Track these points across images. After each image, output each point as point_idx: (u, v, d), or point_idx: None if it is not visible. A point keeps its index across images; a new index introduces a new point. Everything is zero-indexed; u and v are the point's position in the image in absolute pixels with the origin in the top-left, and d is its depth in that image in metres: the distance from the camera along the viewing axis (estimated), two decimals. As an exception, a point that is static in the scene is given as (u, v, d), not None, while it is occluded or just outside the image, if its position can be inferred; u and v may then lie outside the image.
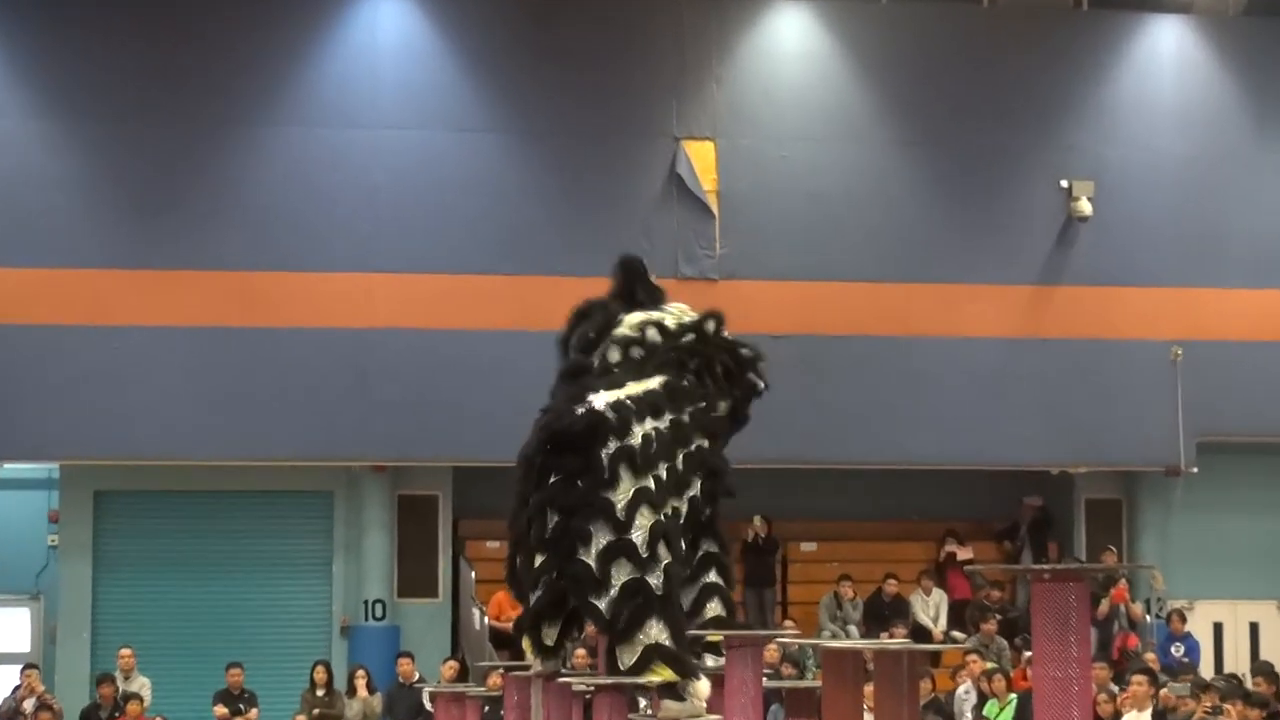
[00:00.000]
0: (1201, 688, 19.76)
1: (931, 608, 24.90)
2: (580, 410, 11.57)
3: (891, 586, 24.72)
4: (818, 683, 9.45)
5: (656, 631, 11.10)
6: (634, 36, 24.37)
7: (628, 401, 11.80)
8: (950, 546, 25.92)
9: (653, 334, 12.72)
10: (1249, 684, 19.75)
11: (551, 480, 11.55)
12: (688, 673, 11.12)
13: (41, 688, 21.98)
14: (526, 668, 12.65)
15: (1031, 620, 6.17)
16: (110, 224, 23.37)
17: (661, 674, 10.90)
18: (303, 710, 22.38)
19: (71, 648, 24.35)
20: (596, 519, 11.31)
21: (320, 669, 22.83)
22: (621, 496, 11.35)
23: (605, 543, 11.26)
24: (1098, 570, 25.60)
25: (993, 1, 25.65)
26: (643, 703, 12.41)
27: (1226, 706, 17.97)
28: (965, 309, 24.61)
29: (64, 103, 23.50)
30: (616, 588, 11.21)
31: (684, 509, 11.86)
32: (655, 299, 13.23)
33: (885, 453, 24.34)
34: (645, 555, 11.28)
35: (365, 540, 24.83)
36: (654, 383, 12.15)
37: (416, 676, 22.55)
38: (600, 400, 11.67)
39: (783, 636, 18.79)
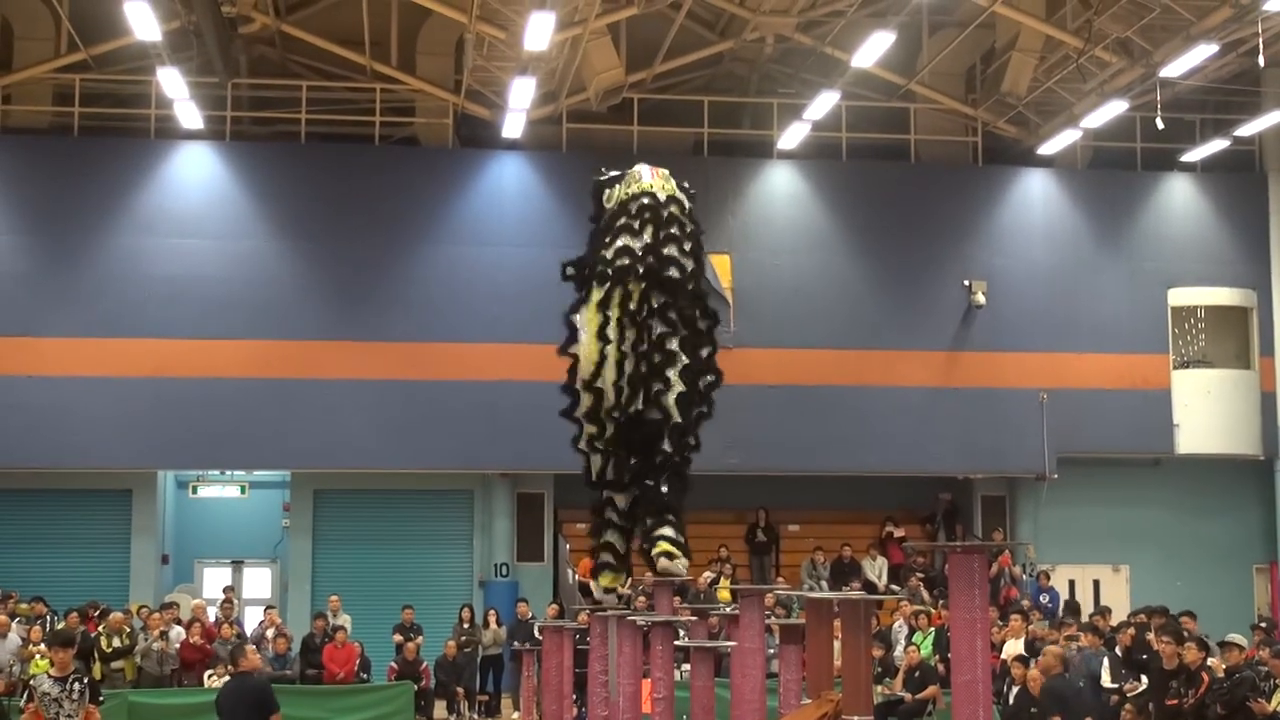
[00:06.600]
0: (1059, 624, 19.77)
1: (877, 569, 24.88)
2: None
3: (846, 552, 24.70)
4: (802, 620, 9.56)
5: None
6: (673, 185, 24.42)
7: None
8: (890, 528, 25.88)
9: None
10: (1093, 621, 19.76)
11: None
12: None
13: (279, 620, 22.14)
14: (604, 609, 12.53)
15: (948, 579, 6.31)
16: (323, 310, 23.39)
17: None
18: (453, 637, 22.47)
19: (297, 595, 24.51)
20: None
21: (465, 610, 22.87)
22: None
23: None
24: (990, 545, 25.53)
25: (917, 159, 25.78)
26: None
27: (1080, 636, 18.01)
28: (899, 367, 24.54)
29: (293, 228, 23.61)
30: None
31: None
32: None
33: (847, 464, 24.27)
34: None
35: (495, 523, 24.75)
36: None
37: (530, 615, 22.62)
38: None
39: (778, 590, 18.91)
